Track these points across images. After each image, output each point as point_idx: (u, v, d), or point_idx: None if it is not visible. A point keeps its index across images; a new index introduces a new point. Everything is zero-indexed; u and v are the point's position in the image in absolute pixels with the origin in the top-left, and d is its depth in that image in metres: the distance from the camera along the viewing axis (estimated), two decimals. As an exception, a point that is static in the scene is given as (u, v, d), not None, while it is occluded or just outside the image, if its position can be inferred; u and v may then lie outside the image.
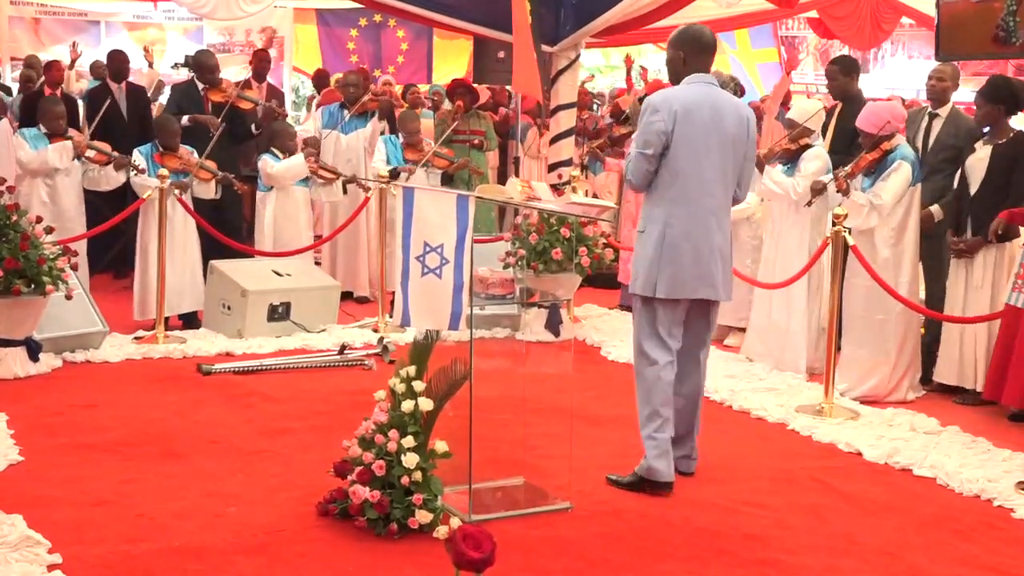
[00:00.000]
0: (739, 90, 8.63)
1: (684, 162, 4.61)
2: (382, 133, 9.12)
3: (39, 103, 8.08)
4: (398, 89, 12.46)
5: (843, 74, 7.16)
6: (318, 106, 9.38)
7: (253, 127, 8.83)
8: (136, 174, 7.41)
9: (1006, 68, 11.39)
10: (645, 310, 4.73)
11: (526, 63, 8.28)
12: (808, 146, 6.75)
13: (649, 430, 4.70)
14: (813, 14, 12.70)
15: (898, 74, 15.87)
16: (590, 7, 9.49)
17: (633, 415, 5.55)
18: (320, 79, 12.92)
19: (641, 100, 5.32)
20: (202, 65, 8.71)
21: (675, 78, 4.81)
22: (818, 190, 6.40)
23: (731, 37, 14.51)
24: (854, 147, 6.47)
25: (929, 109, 6.82)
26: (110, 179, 7.65)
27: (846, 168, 6.20)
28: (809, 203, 6.50)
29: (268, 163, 8.07)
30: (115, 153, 7.56)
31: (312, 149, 8.57)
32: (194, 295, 7.63)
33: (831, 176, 6.36)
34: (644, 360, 4.73)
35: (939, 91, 6.73)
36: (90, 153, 7.53)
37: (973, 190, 6.23)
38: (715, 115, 4.64)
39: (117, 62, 9.49)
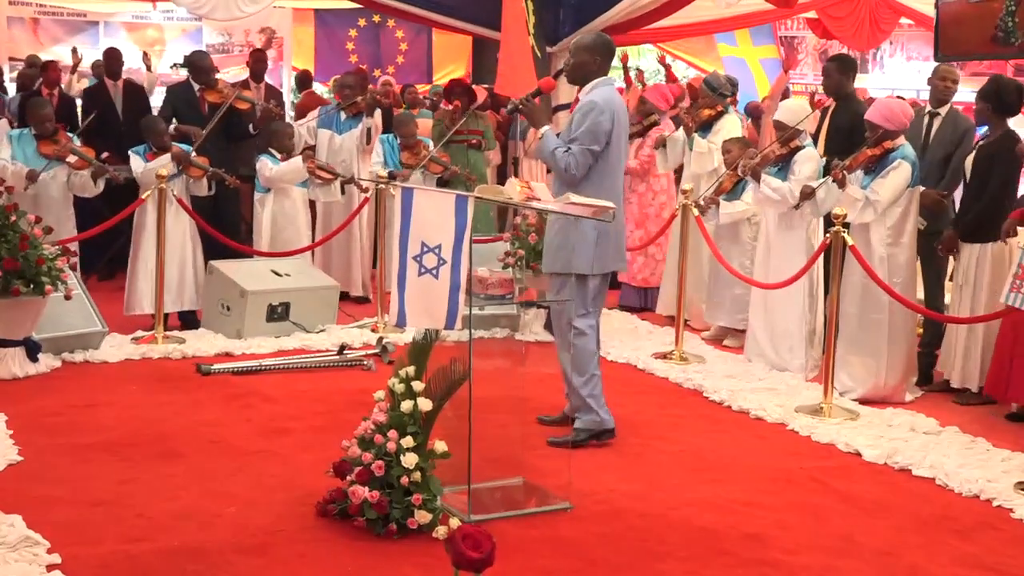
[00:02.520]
0: (735, 90, 8.63)
1: (614, 156, 5.22)
2: (376, 131, 9.11)
3: (27, 104, 8.06)
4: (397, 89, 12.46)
5: (839, 72, 7.16)
6: (298, 108, 9.39)
7: (251, 127, 8.82)
8: (117, 183, 7.39)
9: (1005, 68, 11.39)
10: (580, 288, 5.20)
11: (514, 65, 8.28)
12: (799, 147, 6.74)
13: (588, 390, 5.25)
14: (812, 15, 12.70)
15: (897, 75, 15.87)
16: (590, 7, 9.51)
17: (632, 413, 5.58)
18: (303, 80, 12.88)
19: (519, 106, 5.23)
20: (196, 66, 8.68)
21: (583, 79, 5.28)
22: (807, 194, 6.40)
23: (731, 35, 14.50)
24: (852, 145, 6.47)
25: (929, 109, 6.84)
26: (89, 187, 7.58)
27: (844, 161, 6.20)
28: (797, 206, 6.51)
29: (266, 165, 8.07)
30: (96, 160, 7.52)
31: (309, 152, 8.59)
32: (192, 295, 7.63)
33: (820, 181, 6.36)
34: (577, 333, 5.21)
35: (943, 91, 6.76)
36: (71, 159, 7.49)
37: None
38: (623, 114, 5.31)
39: (112, 60, 9.47)
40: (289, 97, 14.65)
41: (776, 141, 6.84)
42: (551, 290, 5.32)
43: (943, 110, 6.74)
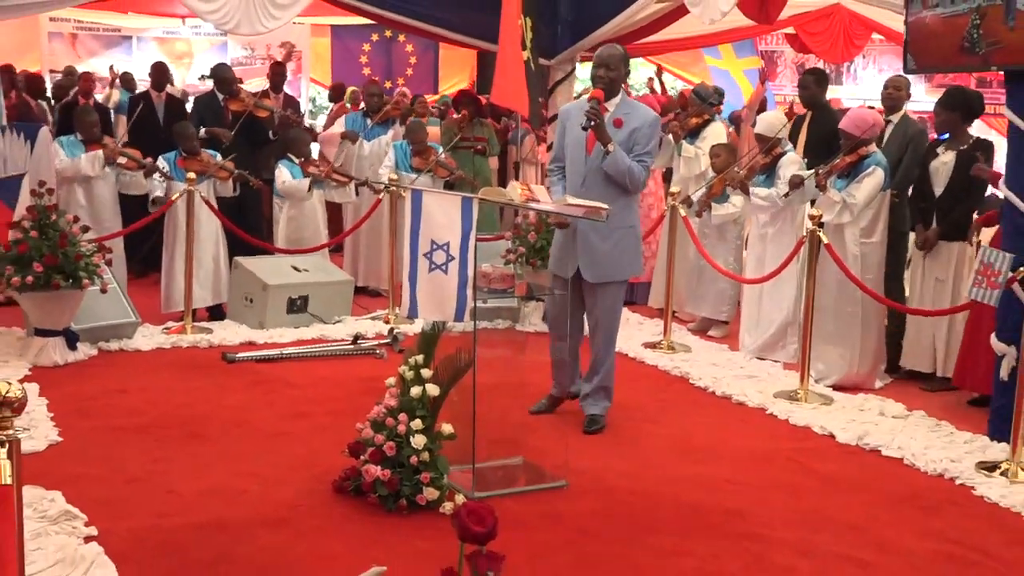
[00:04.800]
0: (721, 100, 8.62)
1: None
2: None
3: (74, 113, 8.08)
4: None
5: (816, 84, 7.18)
6: (333, 114, 9.45)
7: (270, 134, 8.83)
8: (164, 180, 7.41)
9: (968, 80, 11.35)
10: (623, 292, 5.34)
11: (509, 76, 8.23)
12: (781, 154, 6.76)
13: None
14: (790, 30, 12.67)
15: (868, 86, 15.84)
16: (585, 23, 9.49)
17: (624, 399, 5.58)
18: (336, 91, 12.91)
19: (591, 124, 4.91)
20: (220, 78, 8.73)
21: (613, 92, 5.10)
22: (796, 184, 6.37)
23: (715, 49, 14.47)
24: (831, 152, 6.46)
25: (883, 116, 6.84)
26: (139, 185, 7.64)
27: (825, 167, 6.20)
28: (786, 195, 6.50)
29: (283, 175, 8.08)
30: (146, 160, 7.55)
31: (349, 141, 8.76)
32: (219, 289, 7.64)
33: (809, 173, 6.34)
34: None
35: (895, 99, 6.79)
36: (121, 160, 7.53)
37: (938, 190, 6.24)
38: None
39: (159, 73, 9.49)
40: (307, 106, 14.64)
41: (759, 152, 6.85)
42: (610, 298, 5.20)
43: (895, 117, 6.76)
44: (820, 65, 13.51)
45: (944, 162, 6.22)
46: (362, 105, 9.68)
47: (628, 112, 5.09)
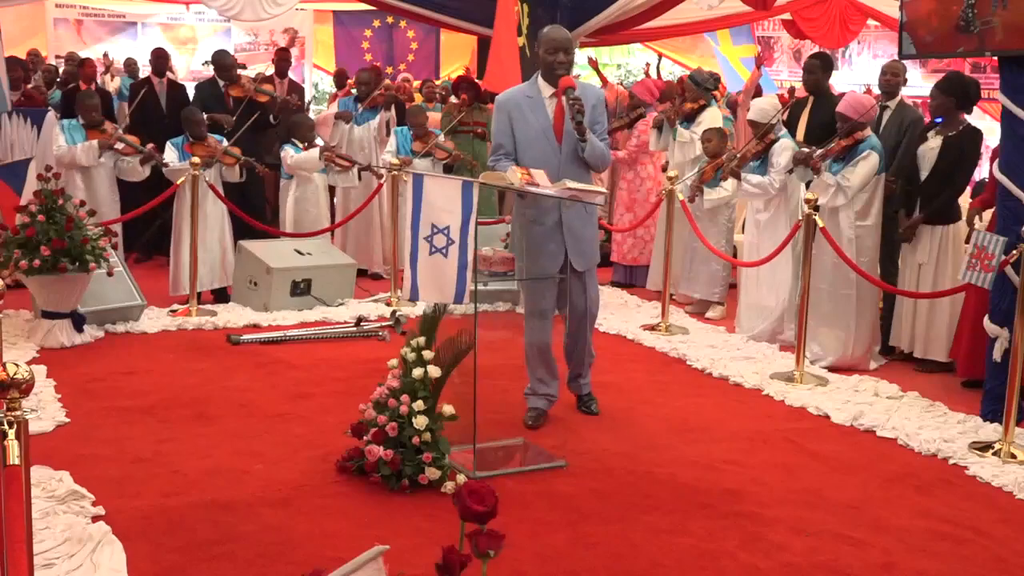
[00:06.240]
0: (717, 85, 8.59)
1: None
2: (392, 123, 9.10)
3: (75, 97, 8.05)
4: (415, 84, 12.44)
5: (822, 69, 7.11)
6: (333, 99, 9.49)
7: (272, 118, 8.81)
8: (163, 167, 7.39)
9: (963, 65, 11.32)
10: None
11: (502, 62, 8.19)
12: (774, 140, 6.72)
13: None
14: (787, 16, 12.63)
15: (864, 71, 15.80)
16: (584, 8, 9.46)
17: (622, 380, 5.57)
18: (340, 77, 12.90)
19: (581, 121, 4.78)
20: (220, 64, 8.72)
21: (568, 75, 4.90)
22: (801, 159, 6.25)
23: (713, 35, 14.42)
24: (828, 139, 6.43)
25: (880, 102, 6.80)
26: (137, 172, 7.60)
27: (821, 150, 6.17)
28: (791, 171, 6.47)
29: (289, 154, 8.09)
30: (143, 147, 7.52)
31: (343, 121, 8.79)
32: (224, 272, 7.63)
33: (818, 149, 6.29)
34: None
35: (892, 85, 6.75)
36: (119, 145, 7.50)
37: (924, 175, 6.22)
38: None
39: (159, 59, 9.45)
40: (311, 92, 14.59)
41: (752, 138, 6.82)
42: (594, 282, 5.10)
43: (892, 103, 6.72)
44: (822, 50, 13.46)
45: (931, 147, 6.20)
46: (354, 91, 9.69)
47: (581, 92, 4.86)
